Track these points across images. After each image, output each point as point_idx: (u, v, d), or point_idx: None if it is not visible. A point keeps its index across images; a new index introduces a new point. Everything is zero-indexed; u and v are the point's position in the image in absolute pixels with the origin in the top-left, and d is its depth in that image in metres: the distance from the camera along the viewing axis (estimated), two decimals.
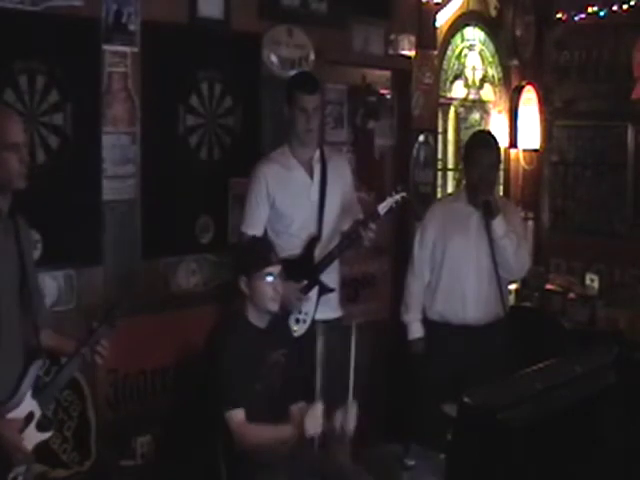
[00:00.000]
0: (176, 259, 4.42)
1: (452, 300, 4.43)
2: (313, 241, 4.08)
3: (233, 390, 3.43)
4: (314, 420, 3.40)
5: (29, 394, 2.92)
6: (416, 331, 4.53)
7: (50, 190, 3.87)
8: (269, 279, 3.53)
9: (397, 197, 4.00)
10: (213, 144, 4.56)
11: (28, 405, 2.91)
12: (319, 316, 4.06)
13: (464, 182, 4.76)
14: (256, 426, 3.43)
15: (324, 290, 4.07)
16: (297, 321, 4.03)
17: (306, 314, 4.04)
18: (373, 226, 3.94)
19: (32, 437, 2.94)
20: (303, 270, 4.03)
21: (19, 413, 2.89)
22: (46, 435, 3.01)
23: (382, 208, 4.00)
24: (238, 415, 3.40)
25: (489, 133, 5.33)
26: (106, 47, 4.07)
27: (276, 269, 3.57)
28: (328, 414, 3.46)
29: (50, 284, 3.90)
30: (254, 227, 4.07)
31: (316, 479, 3.46)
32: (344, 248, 4.03)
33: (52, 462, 3.88)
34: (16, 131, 2.90)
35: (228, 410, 3.41)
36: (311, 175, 4.14)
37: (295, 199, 4.09)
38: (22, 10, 3.75)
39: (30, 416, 2.92)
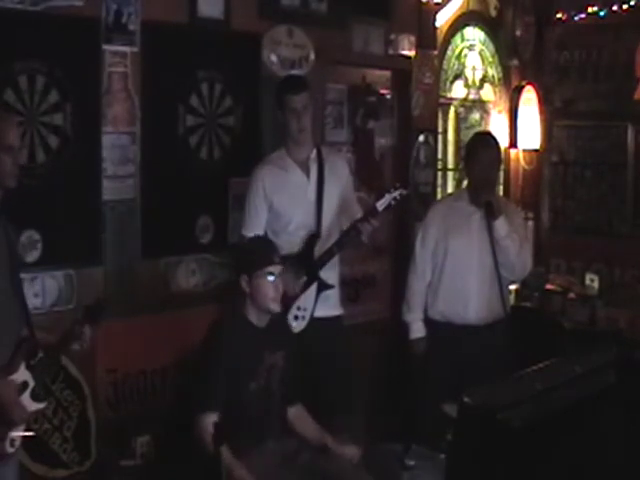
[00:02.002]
0: (176, 259, 4.43)
1: (454, 300, 4.42)
2: (312, 238, 4.08)
3: (209, 394, 3.40)
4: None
5: (23, 365, 3.02)
6: (418, 331, 4.52)
7: (50, 190, 3.88)
8: (270, 278, 3.51)
9: (395, 194, 3.97)
10: (213, 144, 4.56)
11: (22, 374, 3.02)
12: (318, 313, 4.05)
13: (465, 182, 4.76)
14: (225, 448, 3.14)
15: (323, 287, 4.07)
16: (296, 318, 4.02)
17: (305, 310, 4.03)
18: (373, 221, 3.93)
19: (27, 405, 3.03)
20: (302, 266, 4.02)
21: (16, 378, 3.00)
22: (40, 405, 3.11)
23: (380, 204, 3.97)
24: (205, 420, 3.31)
25: (490, 134, 5.35)
26: (106, 47, 4.07)
27: (277, 269, 3.55)
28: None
29: (50, 284, 3.91)
30: (254, 230, 4.07)
31: (316, 479, 3.45)
32: (343, 245, 4.02)
33: (52, 462, 3.89)
34: (13, 135, 3.02)
35: (198, 413, 3.38)
36: (307, 174, 4.13)
37: (292, 199, 4.08)
38: (22, 10, 3.75)
39: (25, 384, 3.02)
